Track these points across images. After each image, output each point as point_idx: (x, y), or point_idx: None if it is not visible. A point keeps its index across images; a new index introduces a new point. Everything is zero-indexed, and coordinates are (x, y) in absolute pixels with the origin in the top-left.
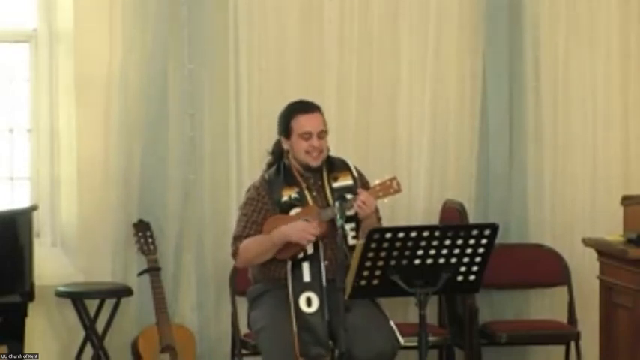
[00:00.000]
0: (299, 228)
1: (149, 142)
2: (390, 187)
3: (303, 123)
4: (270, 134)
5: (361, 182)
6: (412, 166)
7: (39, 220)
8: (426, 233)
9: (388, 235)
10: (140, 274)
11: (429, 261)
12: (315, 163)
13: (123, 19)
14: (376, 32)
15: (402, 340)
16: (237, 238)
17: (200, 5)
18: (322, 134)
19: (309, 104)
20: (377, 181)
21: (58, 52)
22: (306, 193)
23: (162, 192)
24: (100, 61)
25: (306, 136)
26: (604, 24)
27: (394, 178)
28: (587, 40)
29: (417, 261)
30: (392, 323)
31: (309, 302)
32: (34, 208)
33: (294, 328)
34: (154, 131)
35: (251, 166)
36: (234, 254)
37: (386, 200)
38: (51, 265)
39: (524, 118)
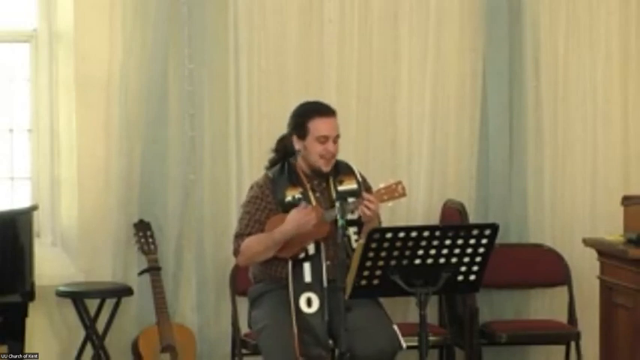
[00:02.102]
0: (297, 219)
1: (149, 142)
2: (395, 191)
3: (322, 126)
4: (270, 134)
5: (365, 187)
6: (412, 166)
7: (39, 220)
8: (426, 233)
9: (388, 235)
10: (140, 273)
11: (430, 261)
12: (326, 168)
13: (123, 19)
14: (376, 32)
15: (404, 345)
16: (240, 236)
17: (200, 5)
18: (336, 139)
19: (329, 108)
20: (382, 184)
21: (58, 52)
22: (310, 194)
23: (162, 192)
24: (100, 61)
25: (323, 139)
26: (604, 24)
27: (399, 182)
28: (587, 40)
29: (418, 261)
30: (395, 327)
31: (309, 303)
32: (34, 208)
33: (294, 329)
34: (153, 131)
35: (251, 166)
36: (236, 252)
37: (390, 204)
38: (51, 265)
39: (524, 118)
